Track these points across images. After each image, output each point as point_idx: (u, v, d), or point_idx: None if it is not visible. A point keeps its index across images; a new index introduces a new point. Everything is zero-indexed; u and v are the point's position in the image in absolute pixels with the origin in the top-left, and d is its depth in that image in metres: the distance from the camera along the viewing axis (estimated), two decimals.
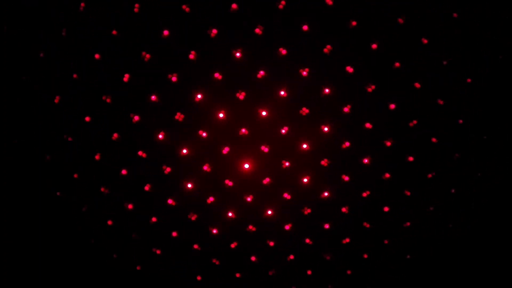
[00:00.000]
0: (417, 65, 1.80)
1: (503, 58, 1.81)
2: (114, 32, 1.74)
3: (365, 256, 1.98)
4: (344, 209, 1.93)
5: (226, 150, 1.84)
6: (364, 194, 1.91)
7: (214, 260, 1.95)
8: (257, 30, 1.75)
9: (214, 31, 1.74)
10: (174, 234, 1.90)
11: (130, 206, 1.89)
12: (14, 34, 1.77)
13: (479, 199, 1.93)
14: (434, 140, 1.86)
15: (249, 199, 1.88)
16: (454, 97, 1.84)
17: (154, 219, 1.89)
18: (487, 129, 1.87)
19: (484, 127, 1.87)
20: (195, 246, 1.93)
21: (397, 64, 1.79)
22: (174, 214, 1.89)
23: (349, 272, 1.99)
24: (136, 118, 1.79)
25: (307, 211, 1.92)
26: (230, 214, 1.91)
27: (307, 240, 1.94)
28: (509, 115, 1.86)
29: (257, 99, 1.81)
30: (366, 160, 1.89)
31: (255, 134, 1.84)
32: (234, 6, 1.72)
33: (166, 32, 1.74)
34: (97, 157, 1.83)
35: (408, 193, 1.91)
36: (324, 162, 1.87)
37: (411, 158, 1.88)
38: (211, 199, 1.88)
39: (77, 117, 1.82)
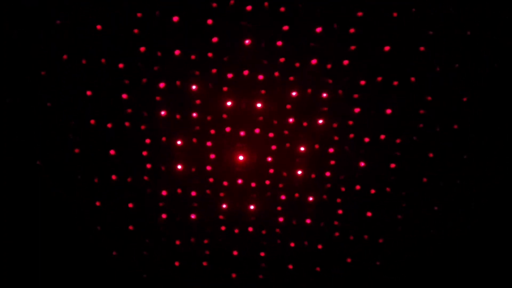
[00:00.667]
0: (416, 66, 1.80)
1: (503, 58, 1.81)
2: (113, 31, 1.75)
3: (363, 256, 1.99)
4: (340, 211, 1.94)
5: (221, 143, 1.85)
6: (358, 187, 1.92)
7: (207, 252, 1.97)
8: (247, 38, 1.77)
9: (210, 21, 1.75)
10: (164, 216, 1.92)
11: (129, 205, 1.91)
12: (15, 34, 1.77)
13: (479, 199, 1.93)
14: (433, 141, 1.87)
15: (242, 190, 1.90)
16: (454, 97, 1.84)
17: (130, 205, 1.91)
18: (487, 130, 1.87)
19: (484, 128, 1.87)
20: (177, 243, 1.95)
21: (395, 66, 1.80)
22: (166, 205, 1.91)
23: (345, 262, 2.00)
24: (145, 114, 1.81)
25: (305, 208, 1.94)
26: (224, 206, 1.92)
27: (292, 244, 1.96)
28: (509, 115, 1.86)
29: (254, 96, 1.82)
30: (362, 164, 1.89)
31: (252, 129, 1.86)
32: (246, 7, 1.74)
33: (174, 19, 1.75)
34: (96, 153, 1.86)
35: (408, 193, 1.92)
36: (318, 159, 1.89)
37: (411, 158, 1.89)
38: (206, 191, 1.90)
39: (76, 115, 1.83)
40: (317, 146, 1.87)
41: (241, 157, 1.87)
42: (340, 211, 1.94)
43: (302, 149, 1.87)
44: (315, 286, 1.99)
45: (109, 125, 1.83)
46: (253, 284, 1.99)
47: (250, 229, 1.94)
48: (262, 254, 1.97)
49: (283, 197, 1.91)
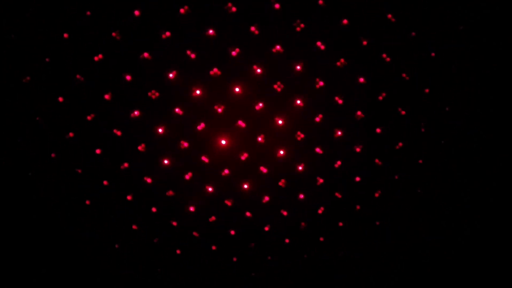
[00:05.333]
0: (416, 66, 1.81)
1: (502, 58, 1.82)
2: (114, 33, 1.76)
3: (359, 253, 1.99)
4: (320, 180, 1.93)
5: (202, 127, 1.85)
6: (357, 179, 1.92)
7: (194, 233, 1.97)
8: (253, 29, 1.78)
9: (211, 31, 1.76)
10: (154, 209, 1.92)
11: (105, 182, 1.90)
12: (16, 34, 1.79)
13: (479, 199, 1.94)
14: (434, 139, 1.88)
15: (226, 173, 1.89)
16: (453, 97, 1.85)
17: (129, 197, 1.91)
18: (487, 129, 1.88)
19: (484, 127, 1.87)
20: (174, 223, 1.95)
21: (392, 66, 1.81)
22: (152, 191, 1.89)
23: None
24: (137, 113, 1.82)
25: (283, 183, 1.93)
26: (210, 189, 1.92)
27: (284, 213, 1.95)
28: (509, 115, 1.87)
29: (232, 76, 1.82)
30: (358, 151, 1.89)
31: (232, 112, 1.85)
32: (230, 5, 1.75)
33: (167, 34, 1.76)
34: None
35: (408, 194, 1.93)
36: (298, 137, 1.88)
37: (412, 158, 1.90)
38: (189, 175, 1.89)
39: (77, 115, 1.84)
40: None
41: (223, 142, 1.86)
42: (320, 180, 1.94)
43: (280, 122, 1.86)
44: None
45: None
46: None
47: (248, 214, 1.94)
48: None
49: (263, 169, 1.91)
